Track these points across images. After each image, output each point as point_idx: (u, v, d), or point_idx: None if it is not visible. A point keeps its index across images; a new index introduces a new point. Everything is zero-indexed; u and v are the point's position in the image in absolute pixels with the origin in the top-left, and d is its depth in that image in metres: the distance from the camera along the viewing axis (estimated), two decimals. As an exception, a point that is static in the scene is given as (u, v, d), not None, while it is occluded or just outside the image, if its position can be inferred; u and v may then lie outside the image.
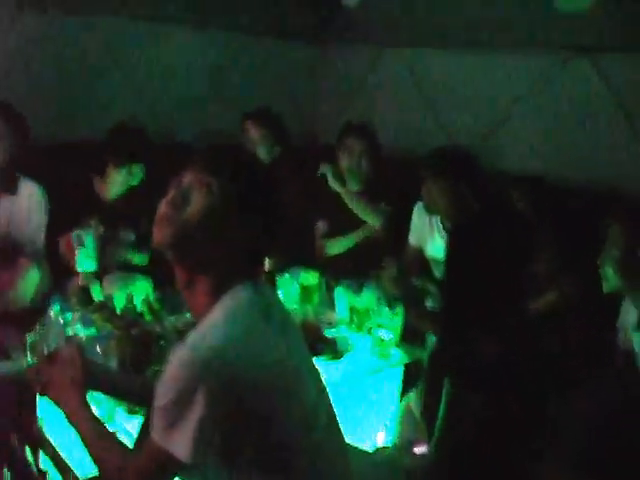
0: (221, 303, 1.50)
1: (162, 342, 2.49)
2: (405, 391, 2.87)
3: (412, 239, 3.62)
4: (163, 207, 1.55)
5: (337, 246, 3.81)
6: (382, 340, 2.88)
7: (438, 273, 3.37)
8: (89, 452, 1.60)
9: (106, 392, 1.94)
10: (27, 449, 2.18)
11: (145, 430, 1.86)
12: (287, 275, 3.35)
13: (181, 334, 2.60)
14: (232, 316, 1.47)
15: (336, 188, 3.80)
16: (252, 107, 4.09)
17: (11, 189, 3.19)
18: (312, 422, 1.56)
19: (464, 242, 2.08)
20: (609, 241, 2.37)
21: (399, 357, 2.91)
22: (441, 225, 3.45)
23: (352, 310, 3.14)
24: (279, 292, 3.13)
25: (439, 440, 1.87)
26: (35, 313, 2.65)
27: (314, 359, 1.77)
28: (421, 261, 3.57)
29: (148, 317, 2.70)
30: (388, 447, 2.75)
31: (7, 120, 3.09)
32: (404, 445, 2.56)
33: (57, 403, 1.73)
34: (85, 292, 2.80)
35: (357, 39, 4.53)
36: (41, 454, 2.12)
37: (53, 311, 2.57)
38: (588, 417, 2.08)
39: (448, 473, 1.94)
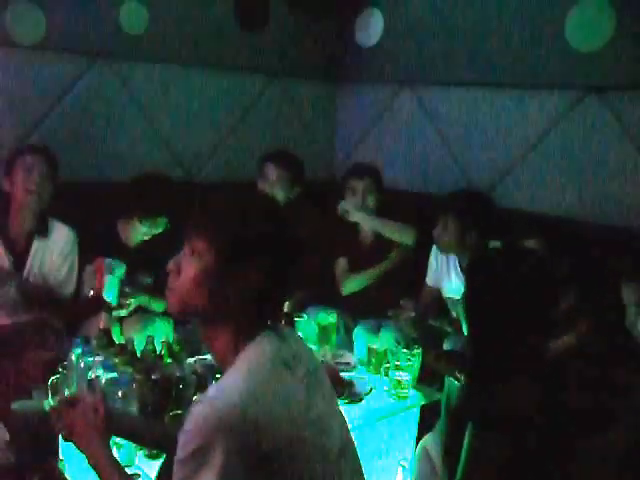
0: (243, 356, 1.49)
1: (181, 385, 2.51)
2: (422, 433, 2.87)
3: (429, 280, 3.65)
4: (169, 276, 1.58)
5: (357, 282, 3.82)
6: (399, 382, 2.89)
7: (455, 314, 3.38)
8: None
9: (126, 437, 1.97)
10: (48, 491, 2.20)
11: (164, 475, 1.88)
12: (305, 316, 3.37)
13: (200, 377, 2.64)
14: (253, 371, 1.45)
15: (359, 219, 3.83)
16: (271, 146, 4.18)
17: (43, 232, 3.23)
18: (334, 473, 1.54)
19: (476, 280, 2.06)
20: (627, 300, 2.40)
21: (416, 399, 2.93)
22: (458, 265, 3.48)
23: (370, 351, 3.16)
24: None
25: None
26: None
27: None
28: (439, 302, 3.59)
29: (168, 359, 2.72)
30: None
31: (50, 164, 3.17)
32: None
33: (79, 447, 1.77)
34: (106, 335, 2.83)
35: (373, 78, 4.59)
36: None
37: (74, 354, 2.60)
38: (612, 459, 2.07)
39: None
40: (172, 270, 1.56)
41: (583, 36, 3.48)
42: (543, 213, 3.67)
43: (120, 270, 3.09)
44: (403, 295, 3.45)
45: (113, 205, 3.41)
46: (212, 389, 1.48)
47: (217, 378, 2.58)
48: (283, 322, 1.71)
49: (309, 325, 3.31)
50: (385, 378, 2.95)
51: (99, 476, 1.70)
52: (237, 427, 1.35)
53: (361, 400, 2.83)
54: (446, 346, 3.17)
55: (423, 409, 2.96)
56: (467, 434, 1.82)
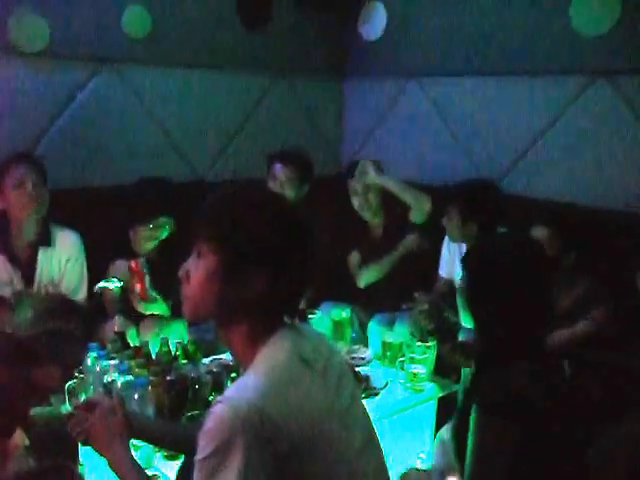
0: (261, 355, 1.49)
1: (197, 386, 2.53)
2: (439, 425, 2.87)
3: (442, 271, 3.66)
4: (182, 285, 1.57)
5: (373, 273, 3.81)
6: (415, 374, 2.90)
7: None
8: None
9: (145, 440, 1.98)
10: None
11: (183, 476, 1.89)
12: (319, 312, 3.38)
13: (216, 377, 2.65)
14: (271, 369, 1.45)
15: (378, 180, 3.80)
16: (278, 144, 4.18)
17: (47, 241, 3.20)
18: (357, 469, 1.53)
19: (469, 268, 2.06)
20: None
21: (433, 391, 2.92)
22: (465, 254, 3.47)
23: (384, 345, 3.16)
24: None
25: (471, 472, 1.85)
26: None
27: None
28: (453, 293, 3.58)
29: (183, 360, 2.73)
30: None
31: (40, 171, 3.13)
32: (438, 479, 2.55)
33: (100, 451, 1.77)
34: (121, 338, 2.85)
35: (379, 72, 4.59)
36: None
37: (90, 358, 2.62)
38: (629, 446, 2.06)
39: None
40: (182, 277, 1.55)
41: (589, 21, 3.46)
42: (554, 200, 3.65)
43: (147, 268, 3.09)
44: (417, 287, 3.45)
45: (124, 211, 3.41)
46: (231, 389, 1.48)
47: (232, 378, 2.60)
48: (297, 319, 1.69)
49: (323, 321, 3.31)
50: (401, 371, 2.95)
51: (120, 478, 1.71)
52: (256, 426, 1.35)
53: (377, 394, 2.84)
54: (461, 337, 3.16)
55: (440, 401, 2.95)
56: (471, 419, 1.81)
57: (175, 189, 3.54)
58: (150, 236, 3.32)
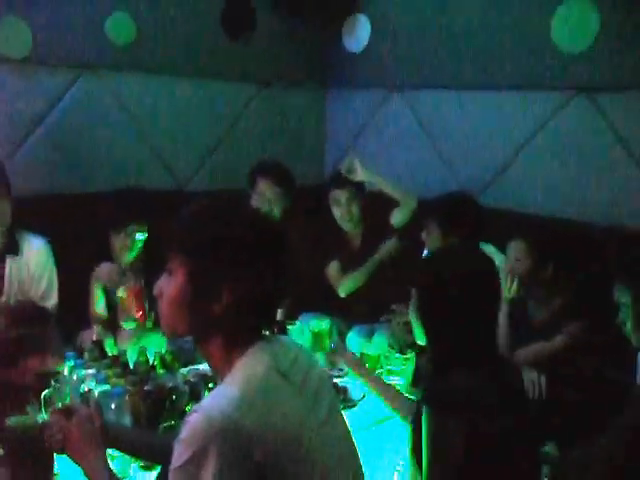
0: (237, 367, 1.49)
1: (174, 396, 2.52)
2: (417, 436, 2.87)
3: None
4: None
5: (354, 281, 3.80)
6: (393, 386, 2.90)
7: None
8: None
9: (121, 449, 1.97)
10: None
11: (160, 486, 1.88)
12: (298, 322, 3.38)
13: (193, 387, 2.64)
14: (247, 381, 1.46)
15: (367, 177, 3.81)
16: (261, 154, 4.19)
17: (14, 250, 3.16)
18: None
19: (421, 279, 2.11)
20: (620, 302, 2.42)
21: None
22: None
23: (363, 356, 3.16)
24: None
25: (428, 471, 1.86)
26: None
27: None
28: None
29: (160, 370, 2.73)
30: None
31: (4, 183, 3.08)
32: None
33: (76, 460, 1.76)
34: (99, 347, 2.83)
35: (362, 83, 4.61)
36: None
37: (67, 367, 2.60)
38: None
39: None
40: (157, 295, 1.56)
41: (569, 37, 3.51)
42: (533, 214, 3.68)
43: None
44: (395, 300, 3.46)
45: (103, 219, 3.39)
46: (207, 399, 1.49)
47: (210, 388, 2.59)
48: (275, 330, 1.70)
49: (302, 332, 3.30)
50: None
51: None
52: (231, 437, 1.36)
53: (355, 406, 2.83)
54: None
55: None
56: (423, 419, 1.83)
57: (152, 198, 3.51)
58: (124, 245, 3.28)
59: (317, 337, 3.32)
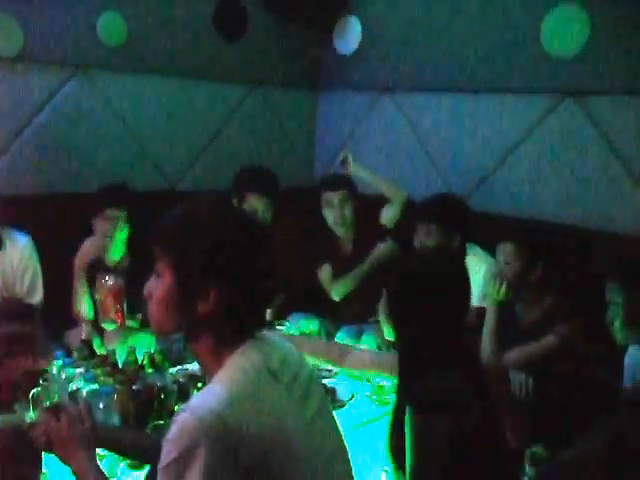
0: (226, 366, 1.50)
1: (163, 396, 2.52)
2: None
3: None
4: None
5: (346, 285, 3.78)
6: (381, 387, 2.90)
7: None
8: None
9: (109, 449, 1.97)
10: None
11: (149, 486, 1.88)
12: (287, 323, 3.38)
13: (182, 386, 2.64)
14: (235, 380, 1.46)
15: (360, 173, 3.84)
16: (251, 154, 4.19)
17: None
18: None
19: (392, 280, 2.13)
20: (611, 300, 2.45)
21: (399, 404, 2.93)
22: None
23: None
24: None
25: (412, 471, 1.87)
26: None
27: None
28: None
29: (149, 370, 2.72)
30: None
31: None
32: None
33: (64, 459, 1.75)
34: (88, 346, 2.83)
35: (352, 85, 4.62)
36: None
37: (56, 366, 2.60)
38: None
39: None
40: (146, 296, 1.57)
41: (558, 41, 3.53)
42: (521, 217, 3.70)
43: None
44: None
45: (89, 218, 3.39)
46: (195, 398, 1.49)
47: (199, 388, 2.59)
48: (264, 330, 1.70)
49: (292, 332, 3.31)
50: (367, 384, 2.96)
51: None
52: (218, 436, 1.36)
53: (343, 406, 2.84)
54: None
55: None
56: (406, 420, 1.84)
57: (141, 198, 3.53)
58: (103, 230, 3.28)
59: (306, 338, 3.33)
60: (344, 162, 3.85)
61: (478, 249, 3.44)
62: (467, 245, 3.43)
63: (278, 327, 3.27)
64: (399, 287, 2.05)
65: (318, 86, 4.83)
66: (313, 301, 3.88)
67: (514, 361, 2.91)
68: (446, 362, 1.91)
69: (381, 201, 3.82)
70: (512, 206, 3.80)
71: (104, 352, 2.88)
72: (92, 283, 3.20)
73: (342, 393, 2.91)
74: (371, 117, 4.58)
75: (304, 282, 3.88)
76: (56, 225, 3.39)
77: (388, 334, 3.00)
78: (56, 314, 3.27)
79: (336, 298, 3.81)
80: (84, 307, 3.22)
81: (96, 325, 3.14)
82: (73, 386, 2.50)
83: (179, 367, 2.97)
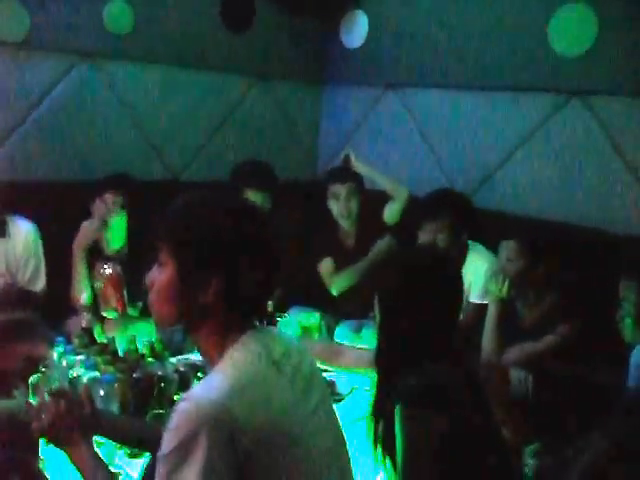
0: (228, 356, 1.49)
1: (163, 384, 2.52)
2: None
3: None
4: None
5: (346, 279, 3.78)
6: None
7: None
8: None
9: (108, 436, 1.97)
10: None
11: (148, 475, 1.88)
12: (287, 316, 3.38)
13: (183, 376, 2.64)
14: (237, 369, 1.46)
15: (362, 169, 3.85)
16: (255, 145, 4.20)
17: (0, 232, 3.18)
18: (322, 471, 1.54)
19: (387, 280, 2.14)
20: (624, 298, 2.45)
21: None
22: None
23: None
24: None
25: (403, 468, 1.87)
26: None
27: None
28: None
29: (150, 359, 2.72)
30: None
31: None
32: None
33: (62, 445, 1.75)
34: (88, 334, 2.82)
35: (357, 80, 4.61)
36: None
37: (56, 352, 2.60)
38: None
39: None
40: (148, 286, 1.57)
41: (565, 40, 3.52)
42: (525, 215, 3.69)
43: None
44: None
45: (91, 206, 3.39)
46: (196, 387, 1.49)
47: (199, 377, 2.60)
48: (265, 322, 1.70)
49: (291, 325, 3.31)
50: (366, 378, 2.95)
51: (82, 474, 1.69)
52: (220, 425, 1.36)
53: (342, 400, 2.84)
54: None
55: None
56: (396, 416, 1.83)
57: (145, 187, 3.53)
58: (101, 214, 3.28)
59: (306, 331, 3.34)
60: (346, 161, 3.85)
61: (481, 246, 3.43)
62: (470, 242, 3.42)
63: (278, 319, 3.27)
64: (388, 283, 2.08)
65: (323, 80, 4.81)
66: (313, 295, 3.87)
67: (515, 359, 2.91)
68: (435, 358, 1.91)
69: (385, 197, 3.82)
70: (515, 204, 3.79)
71: (104, 340, 2.87)
72: (91, 271, 3.20)
73: (341, 386, 2.91)
74: (375, 112, 4.56)
75: (305, 275, 3.87)
76: (58, 212, 3.39)
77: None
78: (58, 302, 3.27)
79: (335, 292, 3.81)
80: (83, 294, 3.21)
81: (96, 313, 3.13)
82: (73, 373, 2.50)
83: (179, 356, 2.97)
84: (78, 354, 2.64)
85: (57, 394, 1.85)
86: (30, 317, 3.12)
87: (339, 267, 3.82)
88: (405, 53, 4.27)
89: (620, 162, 3.45)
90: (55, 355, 2.59)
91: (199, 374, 2.62)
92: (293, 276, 3.49)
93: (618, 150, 3.46)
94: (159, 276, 1.54)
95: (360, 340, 3.29)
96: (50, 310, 3.26)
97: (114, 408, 2.38)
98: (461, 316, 2.30)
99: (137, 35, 3.83)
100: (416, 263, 2.09)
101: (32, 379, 2.45)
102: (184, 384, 2.59)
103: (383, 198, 3.83)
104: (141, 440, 1.95)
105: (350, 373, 2.85)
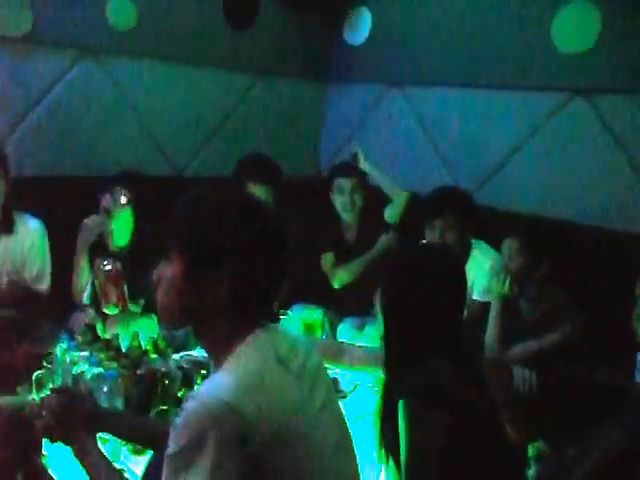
0: (235, 354, 1.49)
1: (166, 381, 2.52)
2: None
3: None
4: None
5: (348, 273, 3.78)
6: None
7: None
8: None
9: (113, 433, 1.97)
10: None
11: (151, 472, 1.89)
12: (290, 313, 3.38)
13: (186, 372, 2.64)
14: (244, 368, 1.45)
15: (367, 170, 3.85)
16: (258, 142, 4.20)
17: (7, 228, 3.16)
18: (330, 469, 1.54)
19: (393, 278, 2.14)
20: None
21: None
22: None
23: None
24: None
25: (409, 467, 1.87)
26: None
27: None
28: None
29: (153, 355, 2.72)
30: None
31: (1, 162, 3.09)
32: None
33: (66, 440, 1.76)
34: (92, 330, 2.83)
35: (361, 77, 4.61)
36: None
37: (60, 349, 2.60)
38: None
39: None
40: (155, 282, 1.56)
41: (569, 38, 3.52)
42: (528, 213, 3.69)
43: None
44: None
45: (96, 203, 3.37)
46: (204, 386, 1.48)
47: (203, 374, 2.60)
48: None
49: (294, 322, 3.31)
50: (370, 375, 2.95)
51: (86, 470, 1.69)
52: (228, 424, 1.35)
53: (345, 397, 2.84)
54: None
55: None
56: (401, 416, 1.83)
57: (148, 183, 3.52)
58: (107, 207, 3.27)
59: (309, 328, 3.34)
60: (354, 159, 3.85)
61: (484, 244, 3.43)
62: (473, 240, 3.42)
63: (281, 317, 3.27)
64: (392, 281, 2.06)
65: (326, 77, 4.81)
66: (315, 291, 3.87)
67: (518, 357, 2.91)
68: (438, 356, 1.91)
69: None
70: (519, 202, 3.78)
71: (108, 336, 2.87)
72: (92, 267, 3.20)
73: (345, 383, 2.91)
74: (379, 109, 4.56)
75: (308, 272, 3.87)
76: (60, 208, 3.38)
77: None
78: (61, 298, 3.27)
79: (336, 285, 3.80)
80: (84, 290, 3.21)
81: (99, 309, 3.13)
82: (77, 369, 2.50)
83: (183, 353, 2.97)
84: (82, 350, 2.64)
85: (58, 391, 1.85)
86: (34, 315, 3.12)
87: (340, 261, 3.82)
88: (409, 51, 4.27)
89: (623, 160, 3.45)
90: (59, 351, 2.59)
91: (202, 371, 2.62)
92: (295, 273, 3.49)
93: (621, 148, 3.45)
94: (166, 272, 1.53)
95: (363, 337, 3.29)
96: (53, 306, 3.26)
97: (118, 404, 2.38)
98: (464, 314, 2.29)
99: (140, 31, 3.82)
100: (420, 261, 2.09)
101: (36, 375, 2.45)
102: (187, 381, 2.59)
103: (386, 194, 3.83)
104: (145, 437, 1.95)
105: (353, 371, 2.86)
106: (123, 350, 2.73)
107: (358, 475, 1.69)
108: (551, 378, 2.80)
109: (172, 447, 1.38)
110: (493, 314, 3.00)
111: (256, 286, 1.52)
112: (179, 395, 2.52)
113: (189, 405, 1.39)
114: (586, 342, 2.87)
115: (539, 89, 3.72)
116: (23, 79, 3.55)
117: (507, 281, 3.00)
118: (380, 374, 2.75)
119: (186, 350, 3.00)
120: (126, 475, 2.13)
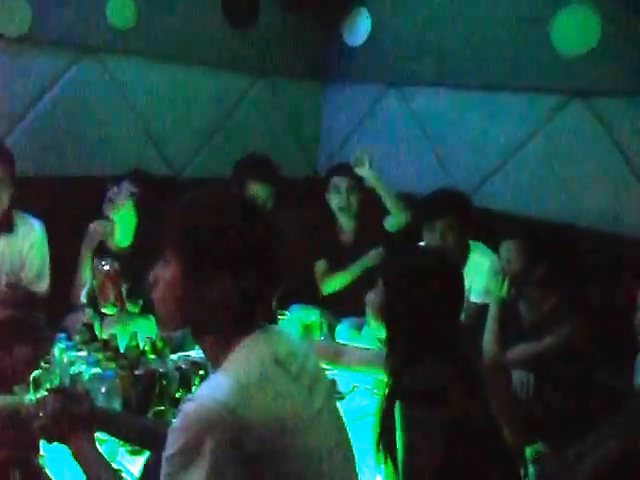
0: (233, 356, 1.49)
1: (164, 381, 2.52)
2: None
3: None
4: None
5: (337, 282, 3.80)
6: (382, 380, 2.90)
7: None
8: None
9: (110, 433, 1.97)
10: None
11: (148, 473, 1.88)
12: (288, 314, 3.38)
13: (183, 373, 2.64)
14: (243, 370, 1.45)
15: (368, 175, 3.81)
16: (257, 142, 4.19)
17: (7, 228, 3.16)
18: (328, 471, 1.53)
19: (391, 280, 2.14)
20: None
21: (399, 397, 2.93)
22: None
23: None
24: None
25: (405, 467, 1.87)
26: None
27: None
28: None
29: (151, 356, 2.72)
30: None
31: (4, 164, 3.09)
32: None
33: (63, 440, 1.75)
34: (90, 330, 2.82)
35: (359, 78, 4.60)
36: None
37: (57, 349, 2.59)
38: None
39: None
40: (152, 283, 1.55)
41: (569, 40, 3.52)
42: (526, 216, 3.69)
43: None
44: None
45: (98, 203, 3.38)
46: (202, 388, 1.48)
47: (201, 375, 2.59)
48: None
49: (292, 323, 3.31)
50: (368, 376, 2.95)
51: (83, 470, 1.69)
52: (225, 426, 1.35)
53: (343, 398, 2.84)
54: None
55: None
56: (397, 416, 1.84)
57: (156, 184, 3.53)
58: (112, 200, 3.29)
59: (307, 329, 3.34)
60: (361, 161, 3.81)
61: (482, 246, 3.43)
62: (471, 242, 3.42)
63: (279, 318, 3.26)
64: (397, 281, 2.08)
65: (326, 77, 4.80)
66: (314, 292, 3.87)
67: (516, 359, 2.91)
68: (436, 358, 1.92)
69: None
70: (517, 205, 3.79)
71: (105, 336, 2.87)
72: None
73: (343, 385, 2.91)
74: (377, 110, 4.56)
75: (305, 273, 3.87)
76: (59, 207, 3.38)
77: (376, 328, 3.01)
78: (59, 297, 3.27)
79: (324, 293, 3.82)
80: (82, 290, 3.21)
81: (96, 309, 3.13)
82: (75, 369, 2.50)
83: (181, 353, 2.97)
84: (79, 350, 2.63)
85: (55, 391, 1.85)
86: (32, 318, 3.12)
87: (336, 263, 3.82)
88: (407, 52, 4.26)
89: (622, 162, 3.45)
90: (56, 351, 2.58)
91: (200, 372, 2.61)
92: (293, 274, 3.49)
93: (620, 150, 3.45)
94: (165, 274, 1.52)
95: (361, 338, 3.29)
96: (51, 306, 3.25)
97: (116, 404, 2.38)
98: (462, 316, 2.29)
99: (140, 30, 3.82)
100: (418, 264, 2.10)
101: (33, 375, 2.45)
102: (185, 381, 2.59)
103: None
104: (142, 437, 1.95)
105: (351, 372, 2.85)
106: (121, 350, 2.72)
107: (356, 477, 1.68)
108: (549, 380, 2.80)
109: (170, 449, 1.38)
110: (491, 316, 3.00)
111: (254, 287, 1.52)
112: (177, 396, 2.51)
113: (187, 407, 1.39)
114: (585, 344, 2.87)
115: (538, 91, 3.72)
116: (22, 78, 3.55)
117: (505, 283, 3.01)
118: (378, 375, 2.77)
119: (184, 351, 3.00)
120: (124, 475, 2.15)
